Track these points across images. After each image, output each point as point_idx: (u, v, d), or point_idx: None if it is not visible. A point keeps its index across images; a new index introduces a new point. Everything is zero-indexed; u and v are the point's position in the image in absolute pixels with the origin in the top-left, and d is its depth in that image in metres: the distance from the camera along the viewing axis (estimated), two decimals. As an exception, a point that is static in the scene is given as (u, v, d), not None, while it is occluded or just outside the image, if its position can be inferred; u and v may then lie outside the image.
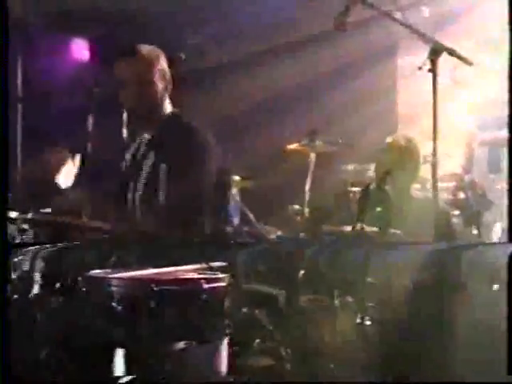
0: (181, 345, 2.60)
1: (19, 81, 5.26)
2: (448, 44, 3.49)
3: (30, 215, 3.26)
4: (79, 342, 2.67)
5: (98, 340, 2.61)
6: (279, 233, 4.83)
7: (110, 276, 2.72)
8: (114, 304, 2.57)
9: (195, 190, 3.49)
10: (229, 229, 3.82)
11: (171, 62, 3.71)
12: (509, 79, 3.28)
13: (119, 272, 2.77)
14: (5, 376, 2.65)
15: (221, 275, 2.79)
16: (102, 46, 6.08)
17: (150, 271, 2.80)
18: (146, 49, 3.66)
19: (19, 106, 5.42)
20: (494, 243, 3.69)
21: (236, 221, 3.75)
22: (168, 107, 3.70)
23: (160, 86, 3.64)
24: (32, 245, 3.14)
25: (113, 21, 5.88)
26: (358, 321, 3.13)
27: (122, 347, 2.58)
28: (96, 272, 2.79)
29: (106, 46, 5.84)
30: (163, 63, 3.68)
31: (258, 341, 3.06)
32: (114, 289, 2.61)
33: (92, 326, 2.62)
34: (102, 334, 2.60)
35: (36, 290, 2.91)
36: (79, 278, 2.75)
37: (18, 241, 3.22)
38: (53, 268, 2.98)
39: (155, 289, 2.57)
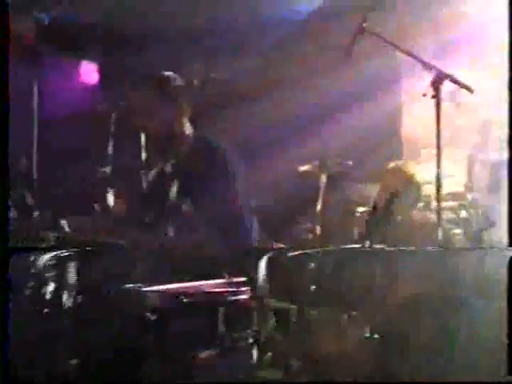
0: (206, 354, 2.70)
1: (35, 105, 5.26)
2: (449, 71, 3.47)
3: (53, 234, 3.25)
4: (111, 350, 2.70)
5: (129, 348, 2.64)
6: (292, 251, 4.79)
7: (145, 289, 2.80)
8: (147, 314, 2.64)
9: (225, 214, 3.40)
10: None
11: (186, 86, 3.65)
12: (509, 89, 3.25)
13: (150, 285, 2.82)
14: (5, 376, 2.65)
15: (243, 288, 2.81)
16: (111, 68, 6.05)
17: (179, 285, 2.83)
18: (161, 74, 3.61)
19: (35, 130, 5.41)
20: (494, 248, 3.64)
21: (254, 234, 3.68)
22: (188, 129, 3.62)
23: (184, 108, 3.56)
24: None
25: (122, 44, 5.87)
26: (367, 335, 3.09)
27: (152, 355, 2.65)
28: (130, 285, 2.85)
29: (115, 68, 5.83)
30: (178, 85, 3.60)
31: (269, 354, 3.02)
32: (147, 300, 2.71)
33: (126, 333, 2.70)
34: (135, 342, 2.67)
35: (67, 300, 2.90)
36: (112, 290, 2.80)
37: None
38: (84, 279, 2.97)
39: (185, 301, 2.67)
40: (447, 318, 2.98)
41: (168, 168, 3.63)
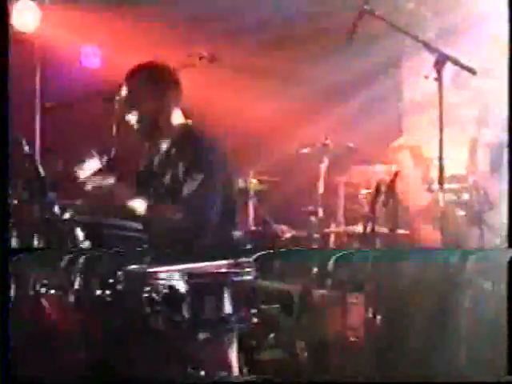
0: (210, 333, 2.70)
1: (38, 90, 5.26)
2: (451, 53, 3.47)
3: (65, 216, 3.28)
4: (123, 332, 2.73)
5: (138, 328, 2.69)
6: (294, 232, 4.82)
7: (151, 270, 2.80)
8: (154, 295, 2.67)
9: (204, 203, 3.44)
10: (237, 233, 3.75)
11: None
12: (509, 79, 3.25)
13: (156, 267, 2.83)
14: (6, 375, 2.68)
15: (248, 269, 2.85)
16: (113, 51, 6.05)
17: (185, 266, 2.85)
18: (156, 65, 3.65)
19: (38, 115, 5.42)
20: (495, 248, 3.65)
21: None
22: (179, 117, 3.66)
23: (172, 100, 3.61)
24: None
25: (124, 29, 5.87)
26: (370, 316, 3.10)
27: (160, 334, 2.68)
28: (136, 267, 2.86)
29: (117, 53, 5.84)
30: (173, 73, 3.64)
31: (272, 335, 3.04)
32: (154, 281, 2.72)
33: (134, 314, 2.72)
34: (143, 322, 2.69)
35: (77, 285, 2.92)
36: (119, 273, 2.82)
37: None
38: (92, 266, 2.98)
39: (190, 281, 2.68)
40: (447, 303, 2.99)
41: (158, 156, 3.67)
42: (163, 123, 3.60)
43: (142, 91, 3.57)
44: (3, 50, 3.07)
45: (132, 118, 3.61)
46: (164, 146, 3.64)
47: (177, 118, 3.65)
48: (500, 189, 5.29)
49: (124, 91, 3.65)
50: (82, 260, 2.97)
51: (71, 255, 2.99)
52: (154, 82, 3.59)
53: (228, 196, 3.60)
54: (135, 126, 3.62)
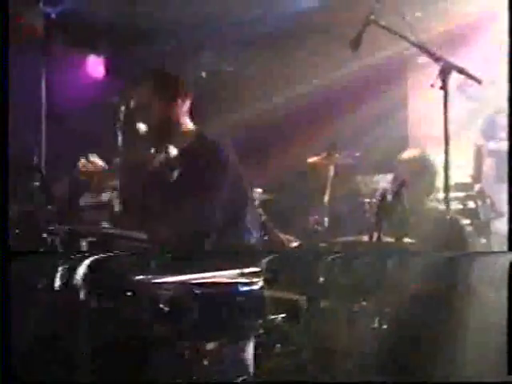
0: (218, 343, 2.72)
1: (43, 99, 5.27)
2: (457, 61, 3.47)
3: (71, 227, 3.29)
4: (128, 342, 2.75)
5: (145, 337, 2.72)
6: (299, 242, 4.81)
7: (159, 280, 2.81)
8: (161, 305, 2.68)
9: (210, 207, 3.43)
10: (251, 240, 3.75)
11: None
12: (509, 85, 3.25)
13: (161, 277, 2.84)
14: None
15: (254, 279, 2.85)
16: (118, 63, 6.09)
17: (191, 276, 2.85)
18: (165, 70, 3.65)
19: (44, 124, 5.44)
20: (495, 252, 3.64)
21: (255, 233, 3.70)
22: (189, 124, 3.67)
23: (181, 104, 3.62)
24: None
25: (128, 39, 5.91)
26: (376, 325, 3.11)
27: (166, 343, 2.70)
28: (142, 277, 2.86)
29: (122, 63, 5.87)
30: (181, 82, 3.65)
31: (278, 345, 3.05)
32: (161, 292, 2.73)
33: (141, 324, 2.73)
34: (149, 332, 2.71)
35: (82, 295, 2.92)
36: (125, 283, 2.83)
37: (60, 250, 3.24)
38: (97, 274, 2.99)
39: (197, 292, 2.67)
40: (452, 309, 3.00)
41: (166, 162, 3.67)
42: (172, 130, 3.61)
43: (150, 98, 3.58)
44: (4, 55, 3.08)
45: (141, 125, 3.61)
46: (173, 152, 3.63)
47: (186, 124, 3.65)
48: (506, 197, 5.27)
49: (132, 99, 3.66)
50: (86, 267, 2.97)
51: (74, 260, 3.00)
52: (162, 89, 3.59)
53: (239, 199, 3.58)
54: (144, 134, 3.62)
